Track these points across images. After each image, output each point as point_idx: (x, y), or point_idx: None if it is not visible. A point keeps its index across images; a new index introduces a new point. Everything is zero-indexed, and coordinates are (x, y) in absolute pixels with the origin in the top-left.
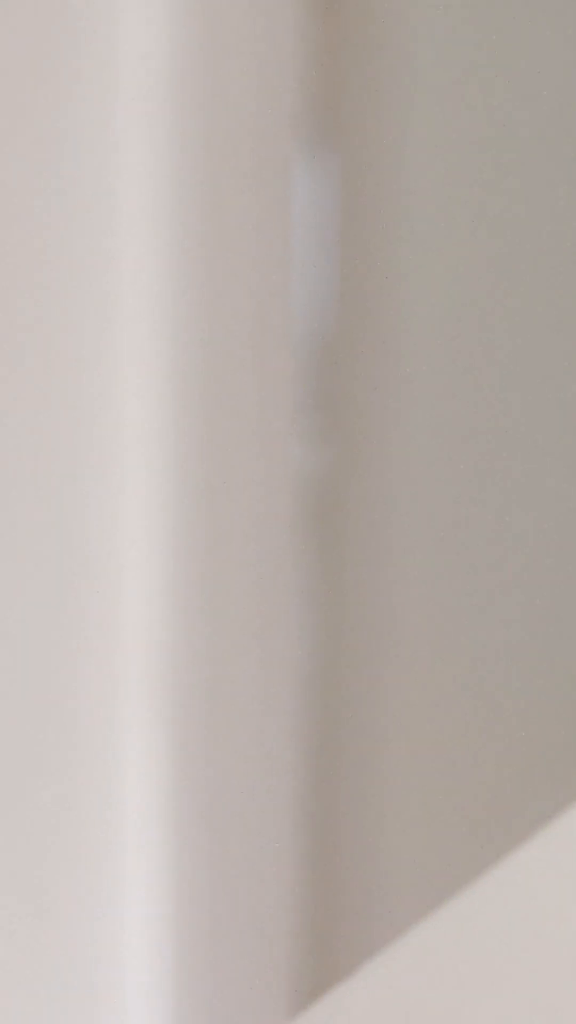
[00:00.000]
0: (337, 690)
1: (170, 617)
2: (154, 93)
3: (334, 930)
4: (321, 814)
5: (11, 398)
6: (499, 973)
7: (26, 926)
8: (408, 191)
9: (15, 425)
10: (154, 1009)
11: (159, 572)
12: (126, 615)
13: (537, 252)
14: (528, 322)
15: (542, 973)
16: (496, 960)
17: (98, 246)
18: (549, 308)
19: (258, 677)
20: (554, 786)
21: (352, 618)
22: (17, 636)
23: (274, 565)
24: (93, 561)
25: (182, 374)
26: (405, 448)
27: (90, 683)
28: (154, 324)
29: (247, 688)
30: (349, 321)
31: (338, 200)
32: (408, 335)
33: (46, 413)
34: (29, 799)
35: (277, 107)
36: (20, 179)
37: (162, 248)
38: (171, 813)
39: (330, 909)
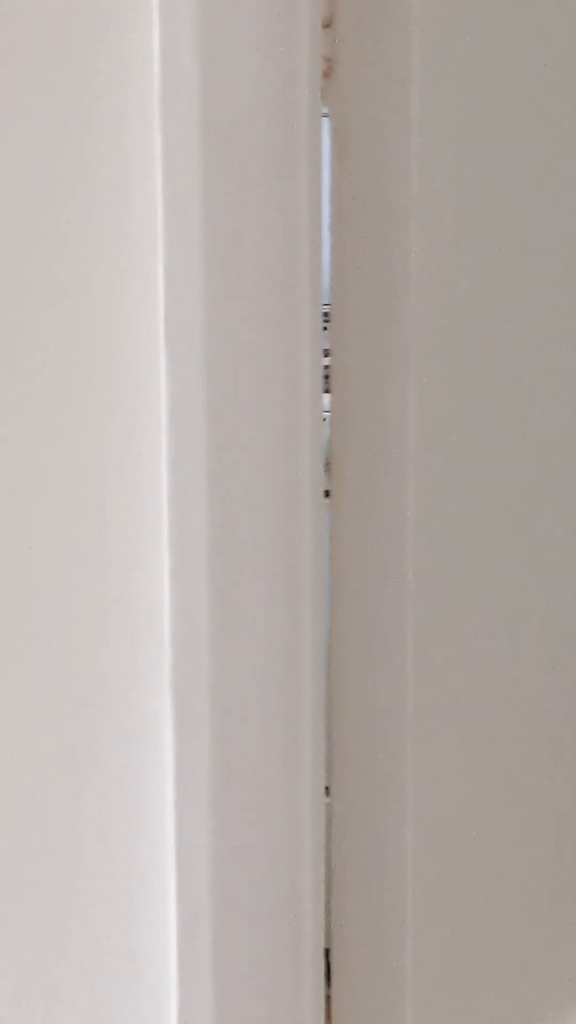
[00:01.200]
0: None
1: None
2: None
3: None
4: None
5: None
6: None
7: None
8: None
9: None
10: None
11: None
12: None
13: (539, 235)
14: (528, 299)
15: None
16: None
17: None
18: (551, 294)
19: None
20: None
21: (365, 592)
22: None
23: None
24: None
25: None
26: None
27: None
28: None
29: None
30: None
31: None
32: (407, 311)
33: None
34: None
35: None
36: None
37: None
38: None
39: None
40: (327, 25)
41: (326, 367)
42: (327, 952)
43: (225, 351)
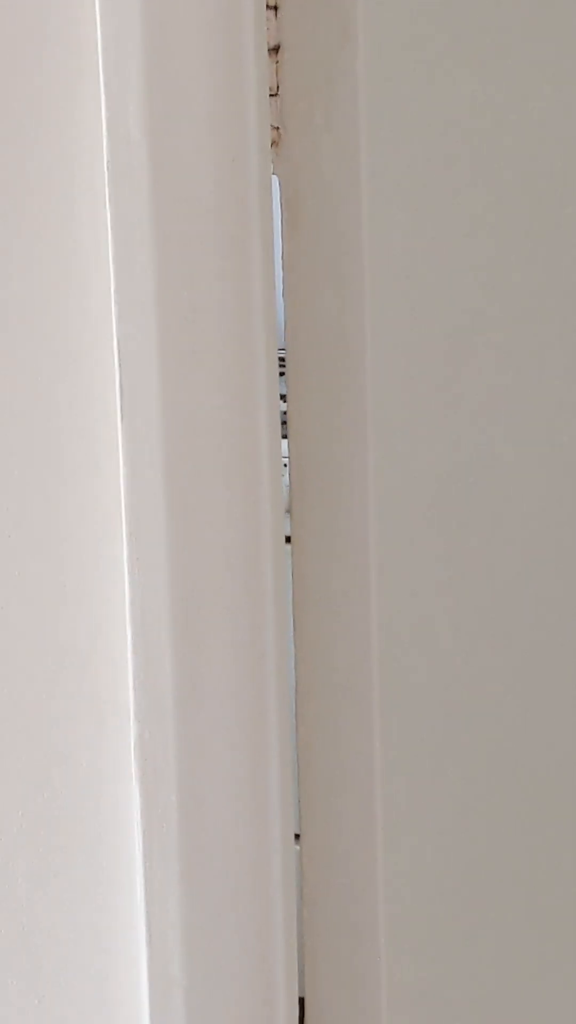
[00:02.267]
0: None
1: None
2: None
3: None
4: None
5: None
6: None
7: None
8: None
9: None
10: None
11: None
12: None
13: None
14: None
15: None
16: None
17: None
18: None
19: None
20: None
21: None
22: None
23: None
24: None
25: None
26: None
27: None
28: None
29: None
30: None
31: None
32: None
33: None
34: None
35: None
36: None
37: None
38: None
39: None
40: (274, 94)
41: (283, 413)
42: (301, 1000)
43: (181, 399)
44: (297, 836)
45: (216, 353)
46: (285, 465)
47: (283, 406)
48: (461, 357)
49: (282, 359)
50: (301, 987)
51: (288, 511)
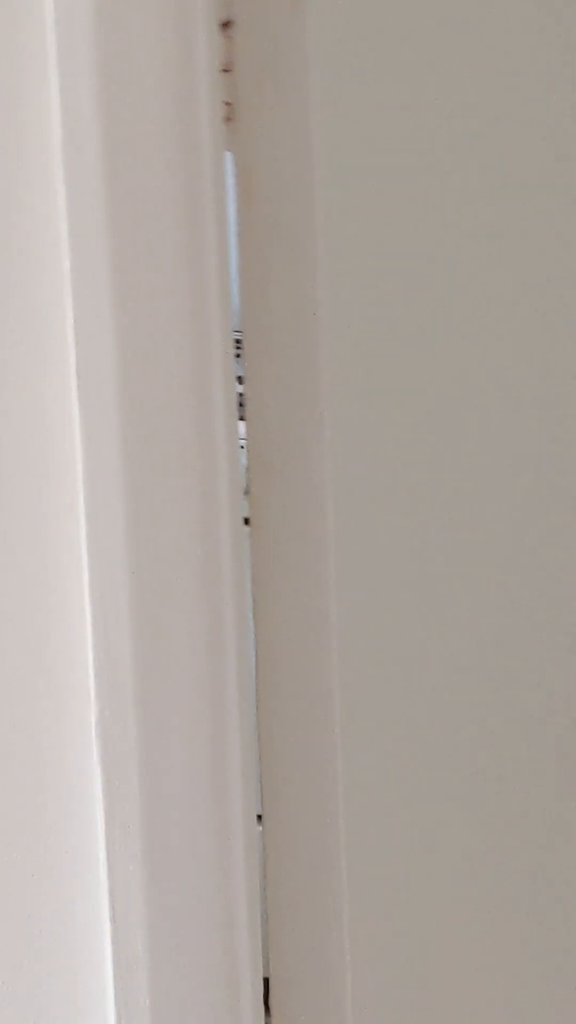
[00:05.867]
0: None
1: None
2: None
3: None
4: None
5: None
6: None
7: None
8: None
9: None
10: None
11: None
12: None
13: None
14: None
15: None
16: None
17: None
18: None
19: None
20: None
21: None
22: None
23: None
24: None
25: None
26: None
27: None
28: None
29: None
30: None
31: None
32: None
33: None
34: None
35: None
36: None
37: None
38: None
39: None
40: (228, 70)
41: (240, 395)
42: (266, 980)
43: (138, 381)
44: (259, 817)
45: (172, 333)
46: (242, 447)
47: (239, 387)
48: (418, 334)
49: (238, 341)
50: (266, 967)
51: (246, 492)
